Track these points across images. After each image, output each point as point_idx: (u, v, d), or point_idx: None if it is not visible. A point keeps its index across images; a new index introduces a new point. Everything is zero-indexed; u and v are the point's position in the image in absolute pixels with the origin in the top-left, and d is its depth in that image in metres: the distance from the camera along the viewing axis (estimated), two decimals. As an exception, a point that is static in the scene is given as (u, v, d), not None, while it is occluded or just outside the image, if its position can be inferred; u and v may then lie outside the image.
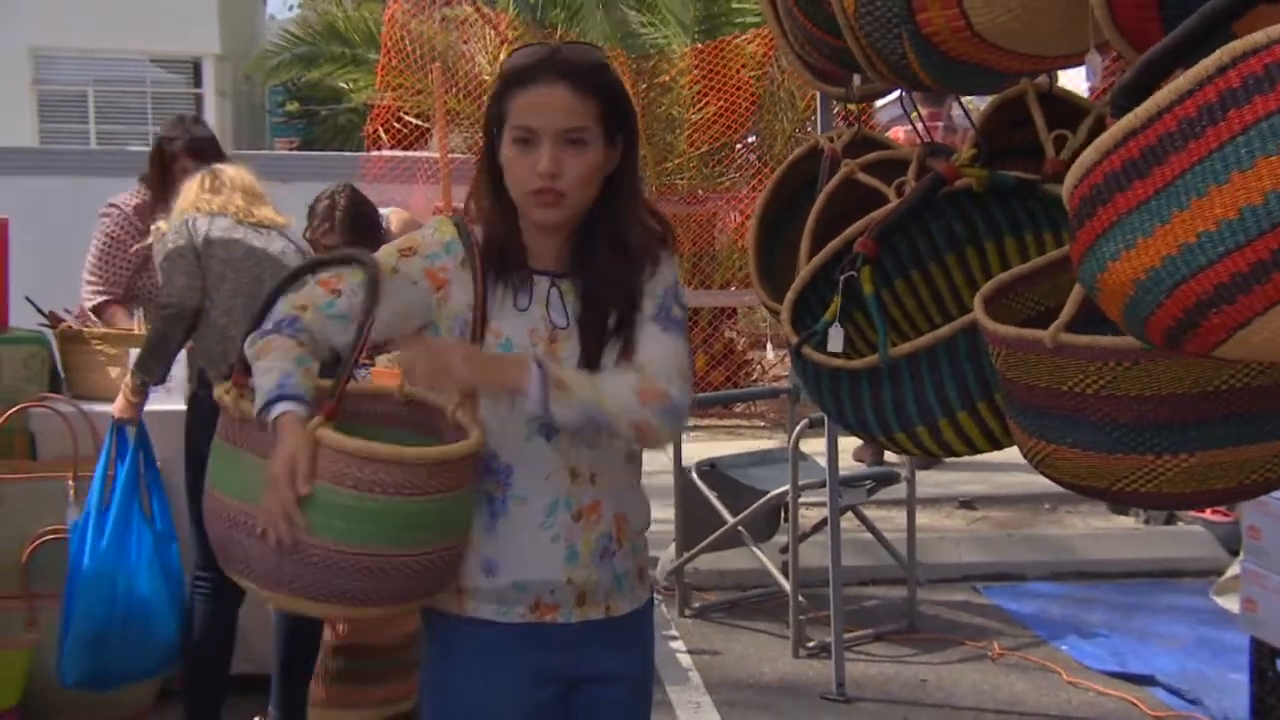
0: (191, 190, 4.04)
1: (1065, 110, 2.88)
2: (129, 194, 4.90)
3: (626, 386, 2.03)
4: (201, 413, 3.78)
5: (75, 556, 3.81)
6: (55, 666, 3.81)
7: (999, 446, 2.59)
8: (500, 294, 2.11)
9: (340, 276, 2.08)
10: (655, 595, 2.22)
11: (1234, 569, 4.83)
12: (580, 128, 2.04)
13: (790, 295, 2.82)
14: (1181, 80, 1.65)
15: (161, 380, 3.86)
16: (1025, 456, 2.35)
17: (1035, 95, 2.82)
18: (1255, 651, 3.99)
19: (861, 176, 3.00)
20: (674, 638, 5.00)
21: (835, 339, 2.65)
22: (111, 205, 4.90)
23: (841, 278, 2.65)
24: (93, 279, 4.84)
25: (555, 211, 2.06)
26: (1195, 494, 2.21)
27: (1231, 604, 4.33)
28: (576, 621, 2.13)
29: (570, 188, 2.04)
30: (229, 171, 4.15)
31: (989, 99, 3.01)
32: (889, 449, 2.83)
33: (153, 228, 4.04)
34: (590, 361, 2.09)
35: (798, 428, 4.91)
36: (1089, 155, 1.74)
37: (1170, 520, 6.25)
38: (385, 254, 2.11)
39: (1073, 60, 2.81)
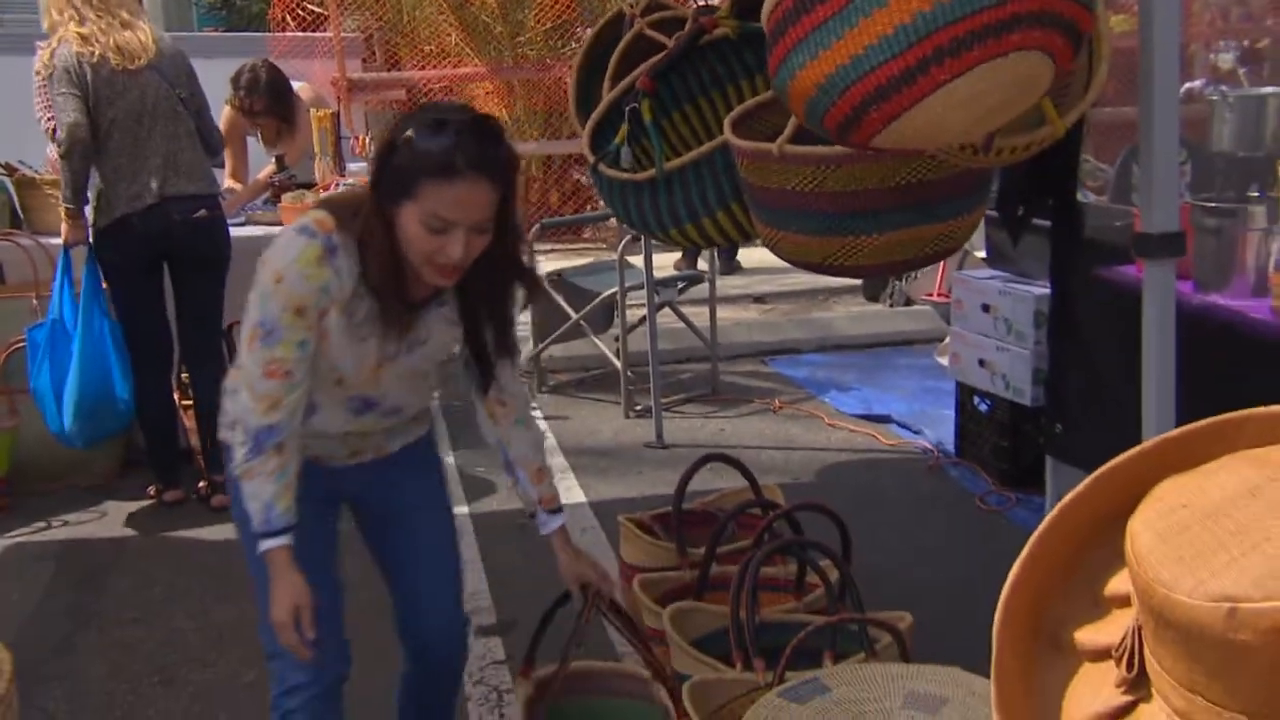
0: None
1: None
2: None
3: (543, 450, 2.06)
4: (100, 240, 3.78)
5: (60, 351, 3.72)
6: (60, 436, 3.75)
7: (748, 238, 2.65)
8: (350, 324, 1.78)
9: (300, 311, 1.75)
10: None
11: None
12: (491, 218, 1.73)
13: (589, 125, 2.82)
14: None
15: (86, 202, 3.73)
16: (762, 242, 2.42)
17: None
18: (959, 392, 4.25)
19: (648, 31, 2.98)
20: (535, 409, 5.11)
21: (625, 158, 2.68)
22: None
23: (628, 109, 2.67)
24: (39, 112, 4.43)
25: (452, 280, 1.78)
26: (886, 264, 2.30)
27: (947, 361, 4.54)
28: (350, 464, 1.99)
29: (469, 263, 1.75)
30: None
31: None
32: (665, 243, 2.89)
33: (37, 58, 3.74)
34: (484, 369, 1.94)
35: (622, 241, 4.97)
36: (779, -15, 1.73)
37: (908, 303, 6.40)
38: (286, 322, 1.74)
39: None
